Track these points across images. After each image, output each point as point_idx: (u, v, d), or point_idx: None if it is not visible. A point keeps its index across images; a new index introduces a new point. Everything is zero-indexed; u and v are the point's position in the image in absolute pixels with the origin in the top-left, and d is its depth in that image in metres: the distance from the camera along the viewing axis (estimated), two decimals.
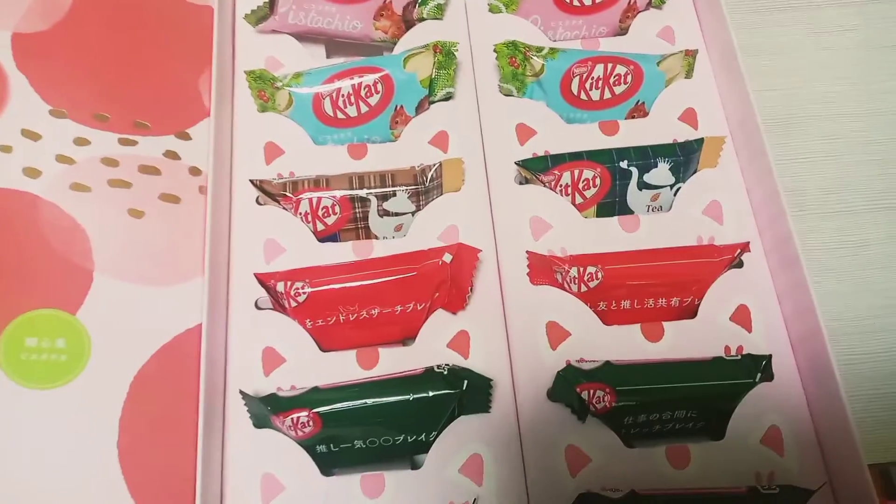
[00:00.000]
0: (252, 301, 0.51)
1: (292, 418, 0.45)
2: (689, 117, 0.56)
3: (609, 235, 0.52)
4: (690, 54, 0.57)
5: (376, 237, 0.53)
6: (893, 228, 0.59)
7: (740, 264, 0.51)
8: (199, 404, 0.44)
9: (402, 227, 0.53)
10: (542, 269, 0.50)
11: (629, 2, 0.59)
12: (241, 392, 0.46)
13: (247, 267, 0.51)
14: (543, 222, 0.52)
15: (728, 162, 0.55)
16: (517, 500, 0.46)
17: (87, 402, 0.50)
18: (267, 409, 0.45)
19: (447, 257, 0.48)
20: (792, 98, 0.64)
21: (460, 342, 0.49)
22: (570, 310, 0.49)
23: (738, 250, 0.50)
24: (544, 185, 0.53)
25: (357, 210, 0.52)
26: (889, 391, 0.54)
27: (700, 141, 0.53)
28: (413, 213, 0.52)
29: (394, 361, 0.48)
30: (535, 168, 0.53)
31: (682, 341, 0.49)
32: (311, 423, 0.45)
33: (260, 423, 0.47)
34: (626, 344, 0.49)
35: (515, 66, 0.55)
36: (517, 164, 0.53)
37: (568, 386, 0.46)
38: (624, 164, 0.52)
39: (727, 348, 0.49)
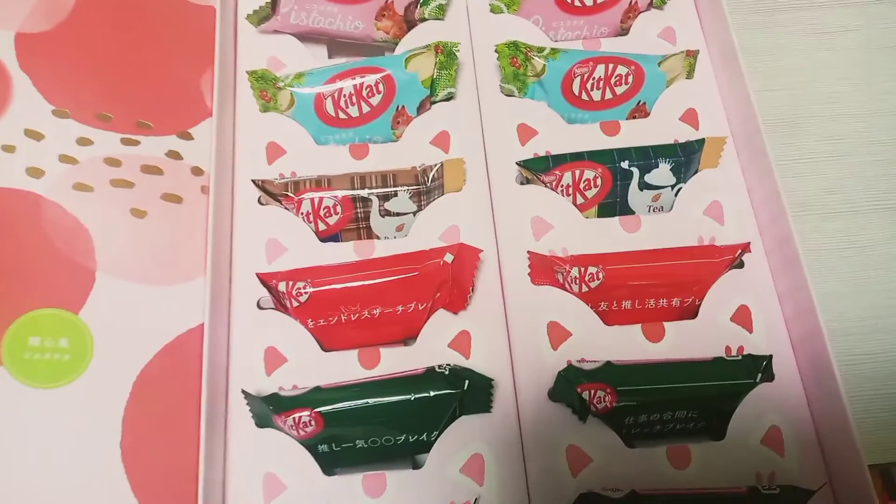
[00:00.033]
0: (254, 301, 0.51)
1: (294, 418, 0.45)
2: (690, 118, 0.56)
3: (610, 236, 0.52)
4: (692, 55, 0.57)
5: (378, 237, 0.53)
6: (894, 229, 0.59)
7: (741, 265, 0.51)
8: (201, 404, 0.45)
9: (404, 227, 0.53)
10: (544, 270, 0.50)
11: (630, 2, 0.59)
12: (244, 391, 0.46)
13: (249, 267, 0.51)
14: (545, 222, 0.52)
15: (729, 162, 0.55)
16: (518, 499, 0.46)
17: (90, 402, 0.50)
18: (269, 409, 0.45)
19: (448, 257, 0.48)
20: (793, 98, 0.64)
21: (461, 342, 0.49)
22: (571, 310, 0.49)
23: (739, 251, 0.50)
24: (545, 186, 0.53)
25: (358, 210, 0.52)
26: (889, 392, 0.54)
27: (701, 141, 0.54)
28: (414, 213, 0.52)
29: (395, 361, 0.48)
30: (537, 168, 0.53)
31: (682, 341, 0.49)
32: (312, 422, 0.45)
33: (262, 422, 0.47)
34: (627, 344, 0.49)
35: (517, 66, 0.55)
36: (518, 164, 0.53)
37: (569, 386, 0.46)
38: (625, 165, 0.52)
39: (728, 349, 0.49)
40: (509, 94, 0.57)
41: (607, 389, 0.45)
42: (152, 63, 0.60)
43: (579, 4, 0.59)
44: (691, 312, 0.50)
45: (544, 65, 0.55)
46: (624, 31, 0.60)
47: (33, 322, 0.51)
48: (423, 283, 0.49)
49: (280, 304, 0.50)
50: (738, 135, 0.56)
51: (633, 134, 0.55)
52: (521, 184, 0.54)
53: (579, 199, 0.53)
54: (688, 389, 0.46)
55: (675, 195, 0.53)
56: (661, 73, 0.56)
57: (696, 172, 0.54)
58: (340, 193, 0.51)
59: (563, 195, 0.53)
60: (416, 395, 0.45)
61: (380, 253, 0.51)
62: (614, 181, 0.52)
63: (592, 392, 0.46)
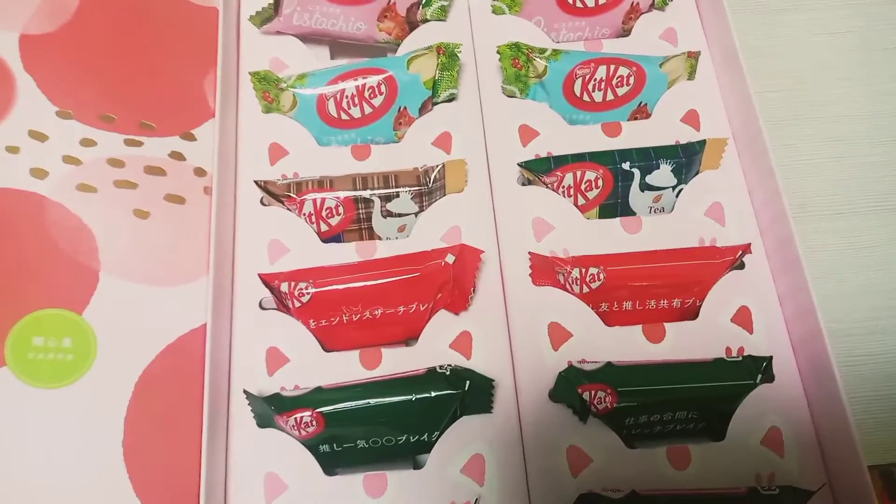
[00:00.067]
0: (256, 301, 0.51)
1: (296, 418, 0.45)
2: (691, 119, 0.56)
3: (611, 237, 0.52)
4: (693, 56, 0.57)
5: (379, 238, 0.53)
6: (895, 230, 0.60)
7: (742, 266, 0.52)
8: (203, 403, 0.45)
9: (406, 228, 0.53)
10: (545, 270, 0.50)
11: (632, 3, 0.59)
12: (245, 392, 0.46)
13: (251, 267, 0.51)
14: (546, 223, 0.52)
15: (730, 163, 0.55)
16: (518, 500, 0.46)
17: (93, 402, 0.50)
18: (270, 409, 0.46)
19: (450, 258, 0.48)
20: (794, 100, 0.64)
21: (463, 343, 0.49)
22: (571, 311, 0.50)
23: (740, 252, 0.50)
24: (547, 187, 0.53)
25: (360, 211, 0.52)
26: (889, 393, 0.54)
27: (702, 142, 0.54)
28: (416, 214, 0.53)
29: (396, 362, 0.49)
30: (538, 169, 0.53)
31: (683, 342, 0.49)
32: (314, 422, 0.45)
33: (263, 422, 0.47)
34: (628, 345, 0.49)
35: (518, 67, 0.56)
36: (520, 165, 0.53)
37: (569, 387, 0.46)
38: (626, 166, 0.52)
39: (728, 349, 0.49)
40: (511, 95, 0.57)
41: (608, 390, 0.45)
42: (155, 64, 0.60)
43: (581, 5, 0.59)
44: (692, 313, 0.50)
45: (546, 66, 0.55)
46: (625, 33, 0.60)
47: (37, 322, 0.52)
48: (424, 284, 0.49)
49: (282, 304, 0.50)
50: (739, 136, 0.56)
51: (635, 135, 0.55)
52: (523, 185, 0.54)
53: (580, 200, 0.53)
54: (688, 390, 0.46)
55: (677, 196, 0.53)
56: (662, 75, 0.56)
57: (697, 173, 0.54)
58: (342, 194, 0.52)
59: (564, 196, 0.53)
60: (418, 396, 0.45)
61: (381, 254, 0.51)
62: (615, 182, 0.53)
63: (593, 393, 0.46)
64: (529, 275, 0.51)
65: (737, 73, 0.55)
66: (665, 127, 0.56)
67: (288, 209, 0.52)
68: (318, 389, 0.46)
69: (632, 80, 0.55)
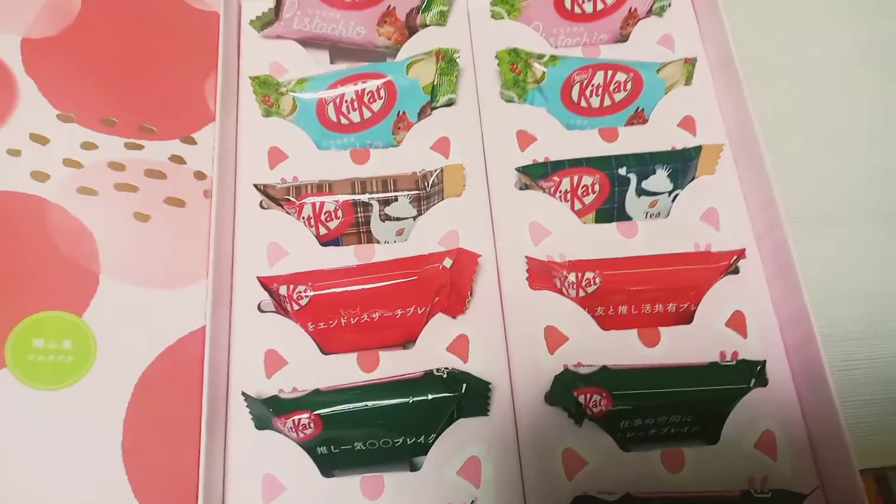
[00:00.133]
0: (255, 304, 0.51)
1: (293, 420, 0.46)
2: (687, 124, 0.57)
3: (607, 241, 0.52)
4: (690, 62, 0.57)
5: (378, 241, 0.53)
6: (888, 236, 0.60)
7: (736, 271, 0.52)
8: (202, 405, 0.45)
9: (404, 232, 0.53)
10: (541, 274, 0.51)
11: (630, 9, 0.59)
12: (244, 394, 0.46)
13: (250, 270, 0.51)
14: (543, 228, 0.53)
15: (726, 169, 0.56)
16: (514, 502, 0.46)
17: (93, 403, 0.50)
18: (269, 411, 0.46)
19: (447, 262, 0.49)
20: (789, 106, 0.64)
21: (460, 346, 0.50)
22: (568, 314, 0.50)
23: (734, 257, 0.50)
24: (544, 191, 0.53)
25: (359, 214, 0.52)
26: (881, 397, 0.54)
27: (698, 148, 0.54)
28: (414, 218, 0.53)
29: (394, 364, 0.49)
30: (535, 174, 0.53)
31: (678, 346, 0.49)
32: (312, 424, 0.45)
33: (262, 424, 0.48)
34: (623, 349, 0.49)
35: (517, 72, 0.56)
36: (517, 170, 0.54)
37: (565, 390, 0.46)
38: (623, 171, 0.53)
39: (722, 354, 0.49)
40: (509, 101, 0.57)
41: (603, 393, 0.46)
42: (156, 68, 0.61)
43: (579, 11, 0.59)
44: (687, 318, 0.51)
45: (544, 71, 0.55)
46: (623, 38, 0.61)
47: (37, 324, 0.52)
48: (422, 287, 0.49)
49: (281, 307, 0.50)
50: (734, 142, 0.56)
51: (632, 140, 0.55)
52: (520, 189, 0.54)
53: (577, 205, 0.53)
54: (682, 394, 0.46)
55: (672, 201, 0.54)
56: (659, 80, 0.56)
57: (692, 179, 0.55)
58: (341, 198, 0.52)
59: (561, 201, 0.53)
60: (415, 399, 0.46)
61: (380, 257, 0.51)
62: (612, 187, 0.53)
63: (588, 396, 0.46)
64: (526, 279, 0.51)
65: (733, 79, 0.55)
66: (661, 132, 0.56)
67: (287, 213, 0.53)
68: (316, 392, 0.46)
69: (629, 85, 0.56)
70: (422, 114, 0.56)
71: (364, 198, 0.52)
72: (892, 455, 0.53)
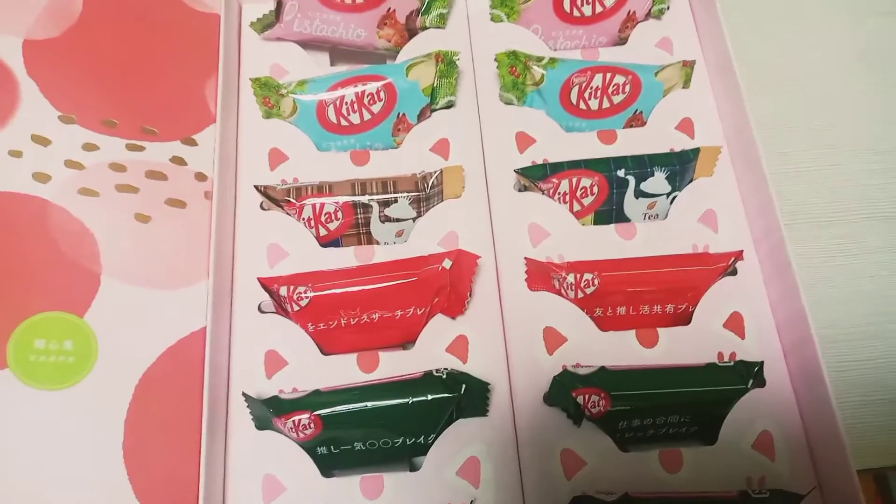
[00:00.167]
0: (255, 305, 0.51)
1: (294, 420, 0.46)
2: (685, 127, 0.57)
3: (606, 243, 0.52)
4: (688, 65, 0.58)
5: (378, 242, 0.53)
6: (886, 237, 0.60)
7: (734, 272, 0.52)
8: (202, 406, 0.45)
9: (403, 233, 0.53)
10: (540, 276, 0.51)
11: (628, 12, 0.60)
12: (244, 394, 0.46)
13: (250, 271, 0.52)
14: (542, 229, 0.53)
15: (724, 171, 0.56)
16: (513, 502, 0.46)
17: (94, 404, 0.50)
18: (269, 412, 0.46)
19: (447, 263, 0.49)
20: (787, 108, 0.64)
21: (459, 347, 0.50)
22: (566, 316, 0.50)
23: (732, 258, 0.50)
24: (543, 193, 0.53)
25: (359, 216, 0.52)
26: (878, 398, 0.55)
27: (696, 150, 0.54)
28: (414, 220, 0.53)
29: (394, 365, 0.49)
30: (534, 176, 0.53)
31: (676, 347, 0.49)
32: (312, 425, 0.46)
33: (262, 424, 0.48)
34: (622, 350, 0.49)
35: (516, 75, 0.56)
36: (517, 171, 0.54)
37: (564, 390, 0.46)
38: (621, 173, 0.53)
39: (720, 355, 0.49)
40: (508, 103, 0.57)
41: (601, 394, 0.46)
42: (157, 70, 0.61)
43: (578, 14, 0.59)
44: (685, 319, 0.51)
45: (543, 74, 0.56)
46: (622, 41, 0.61)
47: (39, 325, 0.52)
48: (421, 288, 0.49)
49: (281, 308, 0.50)
50: (732, 144, 0.56)
51: (630, 142, 0.56)
52: (519, 191, 0.55)
53: (576, 207, 0.54)
54: (681, 395, 0.46)
55: (671, 203, 0.54)
56: (657, 83, 0.57)
57: (691, 181, 0.55)
58: (341, 199, 0.52)
59: (560, 202, 0.53)
60: (414, 399, 0.46)
61: (380, 258, 0.52)
62: (611, 189, 0.53)
63: (587, 396, 0.46)
64: (525, 280, 0.51)
65: (731, 81, 0.55)
66: (660, 135, 0.56)
67: (287, 214, 0.53)
68: (316, 392, 0.47)
69: (627, 88, 0.56)
70: (421, 116, 0.57)
71: (364, 199, 0.52)
72: (889, 455, 0.53)
